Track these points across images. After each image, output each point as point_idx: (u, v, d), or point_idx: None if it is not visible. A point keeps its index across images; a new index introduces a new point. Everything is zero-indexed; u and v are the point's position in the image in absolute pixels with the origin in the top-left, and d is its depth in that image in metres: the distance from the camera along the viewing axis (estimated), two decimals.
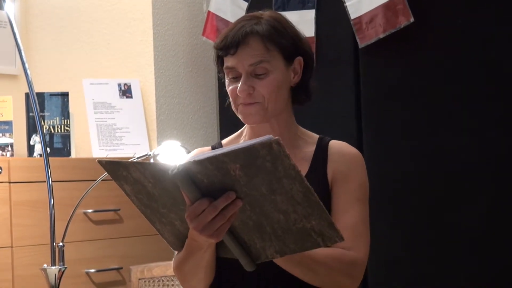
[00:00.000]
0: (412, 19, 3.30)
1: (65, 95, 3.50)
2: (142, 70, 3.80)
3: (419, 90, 3.35)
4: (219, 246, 1.88)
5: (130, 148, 3.64)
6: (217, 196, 1.71)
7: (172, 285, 2.97)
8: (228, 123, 3.63)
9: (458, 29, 3.27)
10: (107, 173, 1.82)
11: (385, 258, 3.37)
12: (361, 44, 3.42)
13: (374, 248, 3.31)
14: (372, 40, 3.39)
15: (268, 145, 1.62)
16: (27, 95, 3.41)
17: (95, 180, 2.74)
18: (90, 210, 3.26)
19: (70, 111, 3.49)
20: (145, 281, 3.00)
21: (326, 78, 3.46)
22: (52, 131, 3.46)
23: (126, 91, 3.75)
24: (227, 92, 2.14)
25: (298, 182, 1.67)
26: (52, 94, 3.49)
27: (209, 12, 3.79)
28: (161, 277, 2.99)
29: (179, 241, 1.91)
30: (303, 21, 3.51)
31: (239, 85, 2.05)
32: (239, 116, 2.10)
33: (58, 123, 3.47)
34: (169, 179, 1.71)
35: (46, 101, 3.47)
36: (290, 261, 1.90)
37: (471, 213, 3.23)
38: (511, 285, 3.18)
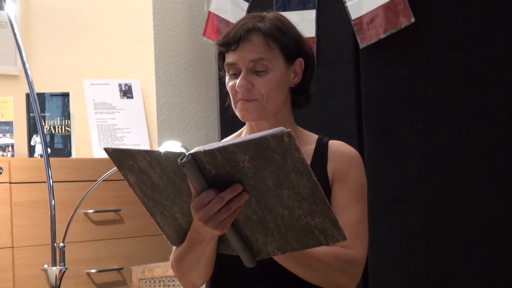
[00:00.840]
0: (412, 19, 3.30)
1: (65, 96, 3.50)
2: (142, 71, 3.80)
3: (420, 90, 3.35)
4: (220, 241, 1.88)
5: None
6: (223, 188, 1.71)
7: (173, 285, 2.97)
8: (229, 123, 3.63)
9: (458, 29, 3.27)
10: (112, 161, 1.81)
11: (386, 257, 3.37)
12: (361, 44, 3.42)
13: (374, 247, 3.33)
14: (373, 41, 3.39)
15: (280, 137, 1.62)
16: (27, 95, 3.41)
17: (96, 181, 2.73)
18: (90, 211, 3.26)
19: (71, 111, 3.49)
20: (145, 282, 3.00)
21: (326, 78, 3.46)
22: (53, 132, 3.46)
23: (126, 92, 3.75)
24: (227, 92, 2.14)
25: (306, 177, 1.67)
26: (52, 95, 3.49)
27: (209, 12, 3.79)
28: (161, 277, 2.99)
29: (178, 235, 1.91)
30: (304, 21, 3.51)
31: (238, 80, 2.06)
32: (237, 113, 2.10)
33: (58, 123, 3.47)
34: (176, 168, 1.71)
35: (46, 102, 3.47)
36: (289, 258, 1.90)
37: (471, 213, 3.23)
38: None
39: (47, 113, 3.46)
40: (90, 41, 3.89)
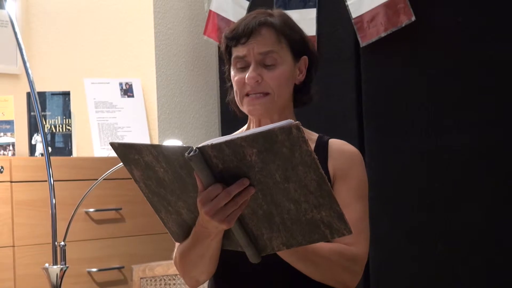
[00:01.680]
0: (413, 18, 3.30)
1: (66, 95, 3.50)
2: (143, 69, 3.80)
3: (420, 89, 3.35)
4: (225, 237, 1.88)
5: None
6: (230, 182, 1.71)
7: (174, 284, 2.97)
8: (230, 121, 3.64)
9: (459, 27, 3.27)
10: (118, 156, 1.81)
11: (386, 255, 3.37)
12: (362, 43, 3.42)
13: (375, 245, 3.33)
14: (374, 39, 3.39)
15: (288, 129, 1.62)
16: (28, 94, 3.41)
17: (97, 179, 2.74)
18: (91, 209, 3.26)
19: (72, 110, 3.49)
20: (146, 280, 3.00)
21: (327, 77, 3.46)
22: (54, 131, 3.47)
23: (127, 90, 3.75)
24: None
25: (313, 170, 1.67)
26: (53, 94, 3.49)
27: (210, 11, 3.79)
28: (162, 276, 3.00)
29: (183, 232, 1.91)
30: (305, 20, 3.51)
31: (248, 72, 2.06)
32: (244, 108, 2.09)
33: (59, 122, 3.47)
34: (182, 163, 1.71)
35: (47, 101, 3.47)
36: (293, 254, 1.91)
37: (472, 211, 3.23)
38: None
39: (48, 112, 3.47)
40: (91, 40, 3.89)
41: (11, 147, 3.34)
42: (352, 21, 3.44)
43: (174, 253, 2.04)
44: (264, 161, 1.66)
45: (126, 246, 3.37)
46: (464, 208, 3.24)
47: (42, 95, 3.43)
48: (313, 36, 3.52)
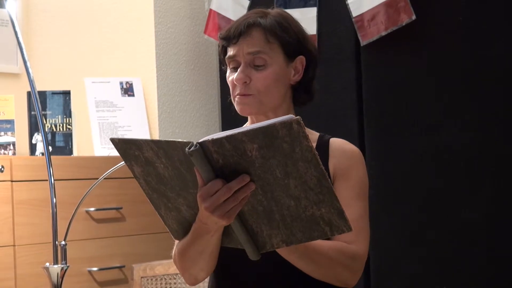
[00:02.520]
0: (413, 17, 3.30)
1: (67, 94, 3.50)
2: (144, 69, 3.80)
3: (421, 88, 3.35)
4: (224, 234, 1.88)
5: None
6: (230, 178, 1.71)
7: (175, 283, 2.97)
8: (230, 120, 3.63)
9: (459, 26, 3.27)
10: (118, 152, 1.81)
11: (387, 255, 3.37)
12: (362, 42, 3.42)
13: (375, 245, 3.33)
14: (374, 38, 3.39)
15: (289, 124, 1.62)
16: (29, 93, 3.41)
17: (97, 179, 2.74)
18: (92, 209, 3.26)
19: (72, 109, 3.49)
20: (147, 279, 3.00)
21: (327, 76, 3.46)
22: (54, 130, 3.47)
23: (128, 90, 3.75)
24: (229, 89, 2.15)
25: (314, 166, 1.67)
26: (54, 93, 3.49)
27: (210, 10, 3.79)
28: (163, 275, 2.99)
29: (182, 229, 1.91)
30: (305, 19, 3.51)
31: (236, 73, 2.07)
32: (236, 108, 2.11)
33: (60, 121, 3.47)
34: (182, 158, 1.71)
35: (48, 100, 3.47)
36: (293, 251, 1.91)
37: (473, 211, 3.23)
38: None
39: (48, 111, 3.47)
40: (91, 39, 3.89)
41: (11, 147, 3.34)
42: (353, 19, 3.44)
43: (173, 251, 2.04)
44: (265, 157, 1.66)
45: (127, 245, 3.37)
46: (465, 208, 3.24)
47: (42, 94, 3.43)
48: (313, 35, 3.52)
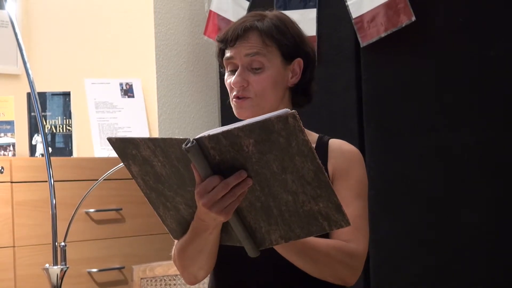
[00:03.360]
0: (413, 18, 3.30)
1: (66, 95, 3.50)
2: (143, 70, 3.80)
3: (420, 89, 3.35)
4: (223, 232, 1.88)
5: None
6: (227, 174, 1.71)
7: (174, 284, 2.97)
8: (230, 122, 3.63)
9: (459, 27, 3.27)
10: (115, 152, 1.81)
11: (387, 255, 3.37)
12: (362, 43, 3.42)
13: (375, 245, 3.33)
14: (374, 39, 3.39)
15: (284, 118, 1.62)
16: (28, 94, 3.41)
17: (97, 180, 2.74)
18: (92, 210, 3.26)
19: (72, 110, 3.50)
20: (147, 281, 3.00)
21: (327, 77, 3.47)
22: (54, 131, 3.47)
23: (127, 91, 3.75)
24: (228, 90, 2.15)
25: (310, 159, 1.67)
26: (53, 94, 3.49)
27: (210, 11, 3.79)
28: (163, 276, 2.99)
29: (181, 228, 1.91)
30: (305, 20, 3.51)
31: (234, 77, 2.08)
32: (234, 111, 2.12)
33: (59, 122, 3.47)
34: (180, 155, 1.71)
35: (47, 101, 3.47)
36: (291, 249, 1.91)
37: (473, 211, 3.23)
38: None
39: (48, 112, 3.47)
40: (91, 40, 3.89)
41: (11, 148, 3.34)
42: (352, 21, 3.44)
43: (173, 250, 2.05)
44: (261, 152, 1.67)
45: (127, 247, 3.37)
46: (465, 208, 3.24)
47: (42, 95, 3.43)
48: (313, 36, 3.52)
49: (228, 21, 3.69)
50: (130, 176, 1.85)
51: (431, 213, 3.31)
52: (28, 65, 2.57)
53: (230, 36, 2.09)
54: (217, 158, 1.69)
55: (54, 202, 2.49)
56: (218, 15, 3.76)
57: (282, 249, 1.91)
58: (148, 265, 3.04)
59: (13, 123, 3.36)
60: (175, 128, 3.85)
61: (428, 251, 3.31)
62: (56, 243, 2.48)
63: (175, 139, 1.70)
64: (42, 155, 3.33)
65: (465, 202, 3.25)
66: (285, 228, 1.76)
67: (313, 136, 2.16)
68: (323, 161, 2.09)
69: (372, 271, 3.39)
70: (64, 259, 2.49)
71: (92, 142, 3.63)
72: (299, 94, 2.16)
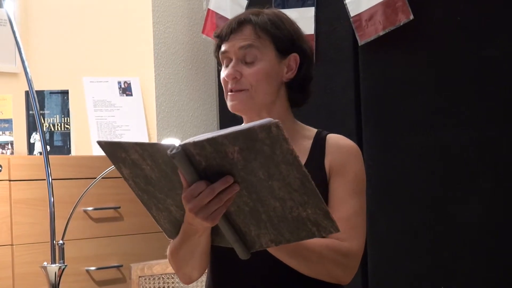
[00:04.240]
0: (411, 17, 3.30)
1: (65, 93, 3.50)
2: (142, 68, 3.80)
3: (419, 87, 3.35)
4: (214, 233, 1.88)
5: None
6: (214, 179, 1.71)
7: (173, 282, 2.97)
8: (228, 120, 3.64)
9: (457, 26, 3.27)
10: (106, 155, 1.82)
11: (385, 254, 3.37)
12: (360, 42, 3.42)
13: (373, 244, 3.33)
14: (372, 38, 3.39)
15: (268, 128, 1.62)
16: (27, 93, 3.41)
17: (95, 178, 2.74)
18: (90, 208, 3.26)
19: (70, 109, 3.50)
20: (145, 279, 3.00)
21: (326, 76, 3.47)
22: (52, 129, 3.47)
23: (126, 89, 3.75)
24: None
25: (296, 168, 1.66)
26: (52, 92, 3.49)
27: (208, 9, 3.79)
28: (161, 274, 3.00)
29: (174, 228, 1.91)
30: (303, 19, 3.51)
31: (227, 69, 2.08)
32: (228, 105, 2.11)
33: (58, 121, 3.47)
34: (167, 160, 1.71)
35: (46, 99, 3.47)
36: (284, 250, 1.91)
37: (471, 210, 3.23)
38: None
39: (47, 110, 3.47)
40: (89, 39, 3.89)
41: (9, 146, 3.34)
42: (351, 19, 3.44)
43: (167, 250, 2.05)
44: (246, 159, 1.66)
45: (125, 245, 3.37)
46: (463, 207, 3.24)
47: (40, 93, 3.43)
48: (311, 35, 3.52)
49: (226, 19, 3.69)
50: None
51: (429, 212, 3.31)
52: (26, 63, 2.57)
53: (225, 31, 2.10)
54: (203, 164, 1.69)
55: (52, 200, 2.49)
56: (216, 14, 3.76)
57: (274, 250, 1.91)
58: (146, 263, 3.04)
59: (11, 121, 3.36)
60: (174, 126, 3.84)
61: (426, 250, 3.31)
62: (54, 241, 2.48)
63: (162, 144, 1.71)
64: (40, 153, 3.33)
65: (464, 201, 3.25)
66: (274, 232, 1.76)
67: (311, 132, 2.16)
68: (320, 157, 2.09)
69: (371, 270, 3.39)
70: (62, 257, 2.50)
71: (90, 141, 3.63)
72: (295, 91, 2.15)
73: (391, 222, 3.36)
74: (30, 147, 3.41)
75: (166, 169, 1.74)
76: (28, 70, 2.57)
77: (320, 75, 3.43)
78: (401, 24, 3.33)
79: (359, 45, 3.43)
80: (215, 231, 1.87)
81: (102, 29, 3.88)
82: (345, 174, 2.07)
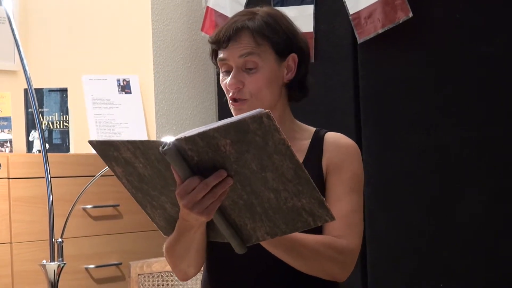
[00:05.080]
0: (410, 14, 3.30)
1: (64, 91, 3.50)
2: (141, 66, 3.80)
3: (418, 85, 3.35)
4: (210, 229, 1.88)
5: None
6: (207, 174, 1.71)
7: (172, 280, 2.97)
8: (227, 118, 3.63)
9: (456, 24, 3.27)
10: (98, 154, 1.81)
11: (384, 252, 3.37)
12: (359, 39, 3.42)
13: (372, 242, 3.33)
14: (371, 35, 3.39)
15: (259, 118, 1.62)
16: (25, 91, 3.41)
17: (94, 176, 2.74)
18: (89, 206, 3.26)
19: (69, 107, 3.49)
20: (144, 277, 3.00)
21: (325, 73, 3.46)
22: (51, 127, 3.46)
23: (125, 87, 3.75)
24: None
25: (289, 158, 1.67)
26: (51, 90, 3.49)
27: (208, 7, 3.79)
28: (160, 272, 3.00)
29: (169, 225, 1.91)
30: (302, 17, 3.51)
31: (229, 78, 2.07)
32: (232, 111, 2.12)
33: (57, 119, 3.47)
34: (159, 157, 1.71)
35: (45, 97, 3.47)
36: (280, 246, 1.91)
37: (470, 209, 3.23)
38: None
39: (45, 108, 3.47)
40: (88, 37, 3.89)
41: (8, 144, 3.34)
42: (350, 17, 3.44)
43: (164, 245, 2.05)
44: (239, 151, 1.66)
45: (124, 243, 3.37)
46: (463, 206, 3.24)
47: (39, 91, 3.43)
48: (310, 33, 3.52)
49: (225, 17, 3.69)
50: None
51: (428, 211, 3.31)
52: (25, 61, 2.56)
53: (222, 37, 2.08)
54: (196, 159, 1.69)
55: (51, 198, 2.49)
56: (216, 11, 3.76)
57: (269, 246, 1.91)
58: (146, 261, 3.04)
59: (10, 119, 3.36)
60: (172, 124, 3.84)
61: (425, 249, 3.31)
62: (53, 239, 2.48)
63: (153, 141, 1.71)
64: (39, 151, 3.33)
65: (463, 200, 3.25)
66: (270, 224, 1.76)
67: (310, 131, 2.16)
68: (318, 156, 2.09)
69: (369, 268, 3.39)
70: (61, 255, 2.49)
71: (89, 138, 3.62)
72: (295, 89, 2.15)
73: (390, 220, 3.36)
74: (29, 145, 3.40)
75: (159, 166, 1.74)
76: (27, 68, 2.56)
77: (319, 73, 3.43)
78: (400, 22, 3.32)
79: (358, 43, 3.43)
80: (210, 226, 1.87)
81: (101, 27, 3.88)
82: (343, 172, 2.07)
